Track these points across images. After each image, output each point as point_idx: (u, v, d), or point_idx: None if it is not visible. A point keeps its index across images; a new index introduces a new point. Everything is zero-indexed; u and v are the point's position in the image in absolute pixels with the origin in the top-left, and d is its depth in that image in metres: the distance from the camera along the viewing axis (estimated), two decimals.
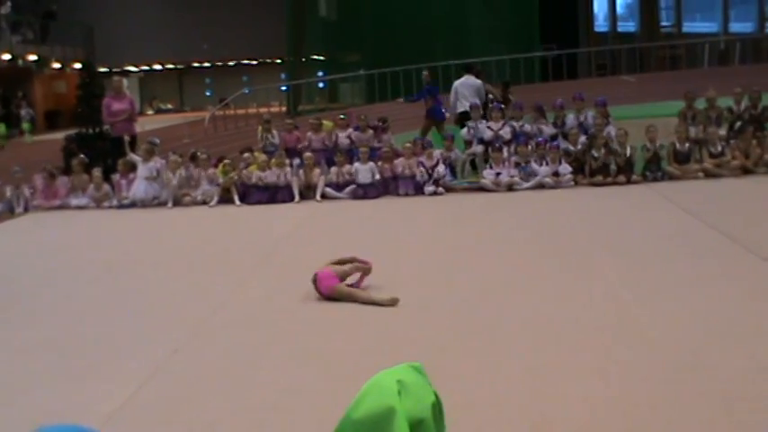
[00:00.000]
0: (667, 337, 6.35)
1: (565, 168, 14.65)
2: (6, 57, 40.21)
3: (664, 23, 52.33)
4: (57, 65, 45.22)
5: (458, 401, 5.16)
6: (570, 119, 15.88)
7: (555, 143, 15.14)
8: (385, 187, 14.86)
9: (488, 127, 15.88)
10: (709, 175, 14.46)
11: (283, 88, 39.18)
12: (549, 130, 15.74)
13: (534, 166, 14.74)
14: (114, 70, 43.11)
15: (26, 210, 15.21)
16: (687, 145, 14.77)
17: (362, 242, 11.00)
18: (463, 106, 16.84)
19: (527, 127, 15.88)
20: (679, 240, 9.83)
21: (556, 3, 40.98)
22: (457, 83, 17.32)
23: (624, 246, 9.69)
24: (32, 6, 44.15)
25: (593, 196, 13.56)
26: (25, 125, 34.28)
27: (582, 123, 15.71)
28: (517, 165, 14.87)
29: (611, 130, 15.28)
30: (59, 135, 22.76)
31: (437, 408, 2.16)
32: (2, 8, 40.81)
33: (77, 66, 39.89)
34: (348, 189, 14.79)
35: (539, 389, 5.51)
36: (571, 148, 15.10)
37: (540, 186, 14.47)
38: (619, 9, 52.92)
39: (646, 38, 45.50)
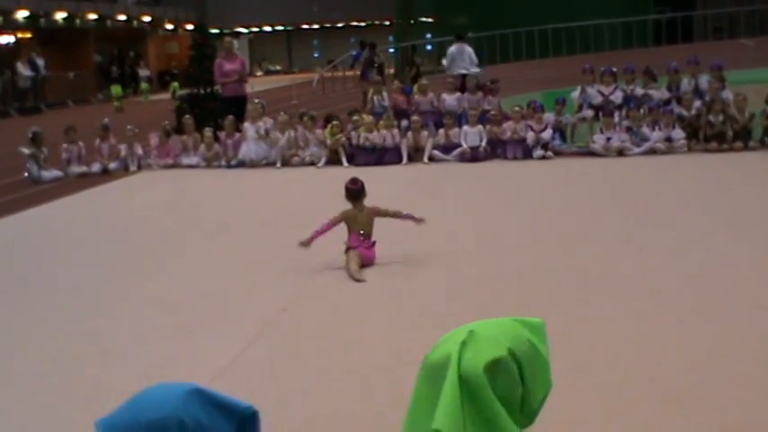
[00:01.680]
0: None
1: (678, 134, 14.25)
2: (122, 18, 41.09)
3: None
4: (169, 26, 46.05)
5: (568, 364, 5.10)
6: (684, 83, 15.42)
7: (668, 108, 14.75)
8: (493, 150, 14.71)
9: (599, 91, 15.57)
10: None
11: (391, 50, 39.10)
12: (658, 94, 15.34)
13: (646, 130, 14.39)
14: (225, 32, 43.63)
15: (139, 168, 15.54)
16: None
17: (469, 205, 10.94)
18: (460, 69, 17.92)
19: (638, 91, 15.51)
20: None
21: None
22: (452, 49, 18.46)
23: (738, 214, 9.41)
24: None
25: (707, 163, 13.18)
26: (144, 85, 34.99)
27: (697, 88, 15.25)
28: (628, 129, 14.53)
29: (728, 94, 14.78)
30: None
31: (516, 360, 2.01)
32: None
33: (189, 27, 40.55)
34: (456, 152, 14.68)
35: (649, 354, 5.41)
36: (685, 113, 14.68)
37: (652, 152, 14.11)
38: None
39: None
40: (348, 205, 8.28)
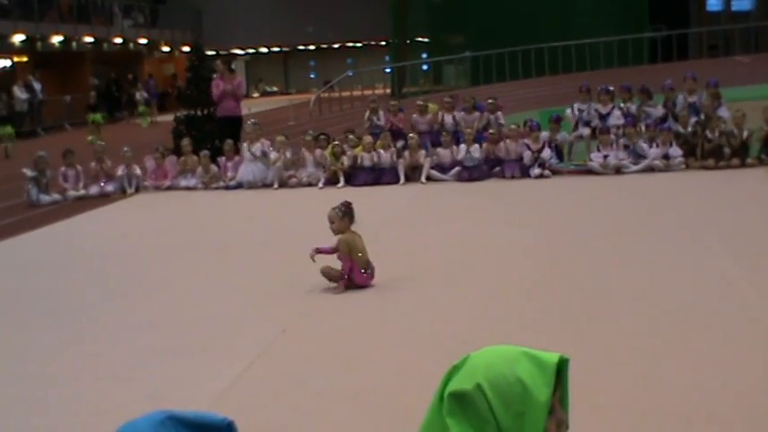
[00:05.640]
0: None
1: (675, 151, 14.25)
2: (118, 40, 41.17)
3: None
4: (165, 48, 46.14)
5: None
6: (680, 100, 15.46)
7: (665, 125, 14.76)
8: (490, 169, 14.71)
9: (596, 110, 15.59)
10: None
11: (387, 70, 39.19)
12: (655, 111, 15.38)
13: (644, 147, 14.38)
14: (221, 53, 43.75)
15: (137, 190, 15.52)
16: None
17: (467, 224, 10.92)
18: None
19: (633, 109, 15.55)
20: None
21: None
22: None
23: (738, 231, 9.40)
24: None
25: (705, 180, 13.19)
26: (141, 108, 34.55)
27: (693, 105, 15.28)
28: (626, 147, 14.54)
29: (725, 111, 14.81)
30: (168, 117, 23.18)
31: (485, 396, 1.97)
32: None
33: (186, 49, 40.60)
34: (453, 171, 14.68)
35: (648, 374, 5.39)
36: (681, 130, 14.70)
37: (650, 169, 14.11)
38: None
39: (762, 16, 43.87)
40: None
